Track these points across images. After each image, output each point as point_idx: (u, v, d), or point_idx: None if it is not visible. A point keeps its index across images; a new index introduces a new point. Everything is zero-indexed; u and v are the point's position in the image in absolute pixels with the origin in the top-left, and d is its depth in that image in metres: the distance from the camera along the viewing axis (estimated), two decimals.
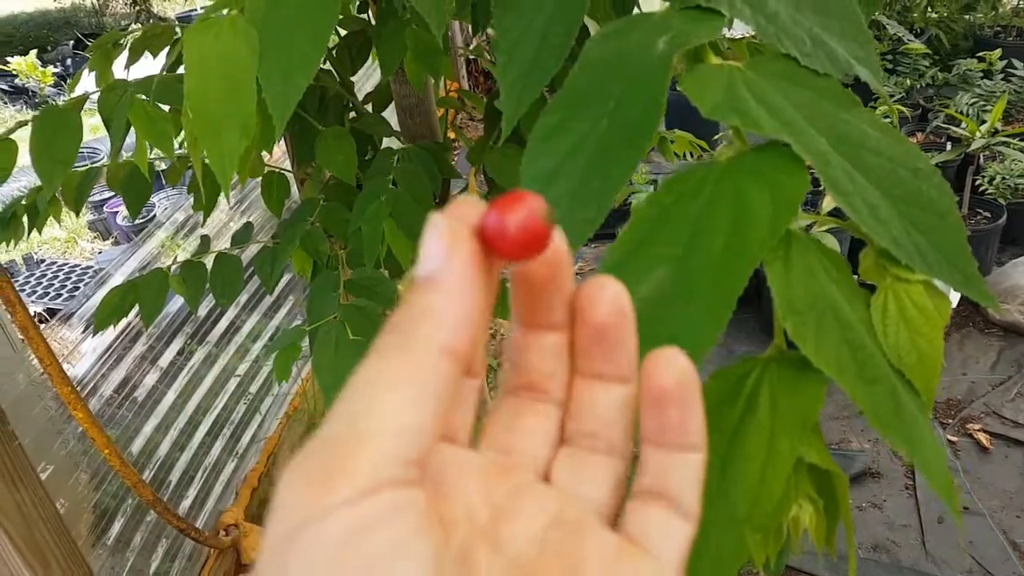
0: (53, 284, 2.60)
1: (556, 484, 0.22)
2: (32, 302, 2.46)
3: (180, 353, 1.57)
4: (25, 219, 1.03)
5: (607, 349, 0.22)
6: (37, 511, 0.86)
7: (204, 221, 1.07)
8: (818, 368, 0.27)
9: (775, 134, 0.30)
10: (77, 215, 0.99)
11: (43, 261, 2.82)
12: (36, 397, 1.12)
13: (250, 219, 1.74)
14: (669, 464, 0.21)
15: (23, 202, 1.01)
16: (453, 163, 1.13)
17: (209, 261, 1.02)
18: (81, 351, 1.41)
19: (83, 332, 1.37)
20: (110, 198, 3.12)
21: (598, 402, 0.22)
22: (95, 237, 3.30)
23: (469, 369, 0.22)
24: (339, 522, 0.16)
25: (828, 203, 1.45)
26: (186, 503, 1.43)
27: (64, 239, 3.29)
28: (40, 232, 1.06)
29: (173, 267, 1.02)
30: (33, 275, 2.66)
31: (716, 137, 2.55)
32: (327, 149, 0.91)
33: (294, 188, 1.17)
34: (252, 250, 1.14)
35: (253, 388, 1.74)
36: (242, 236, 1.06)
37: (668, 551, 0.21)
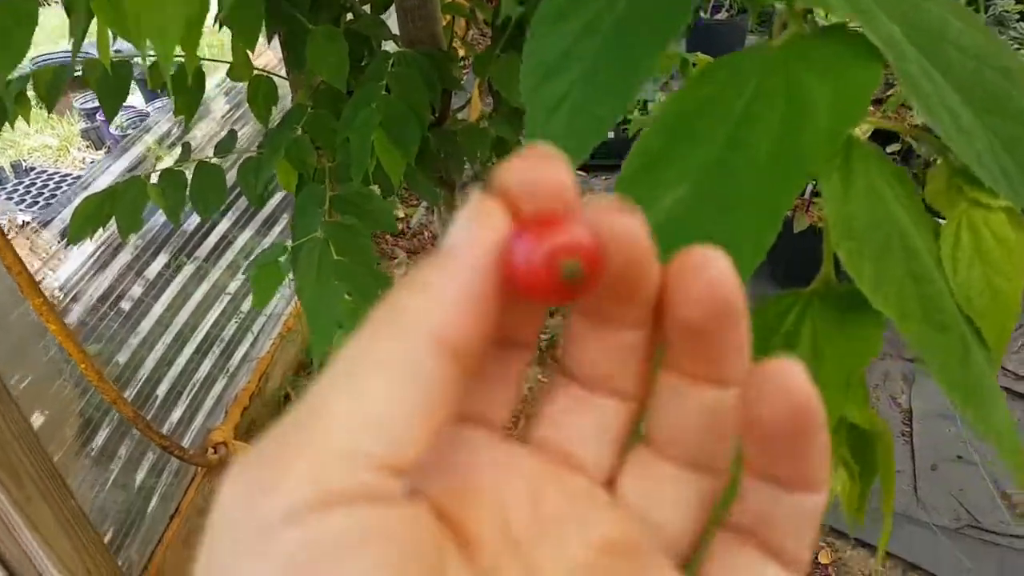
0: (43, 192, 2.54)
1: (622, 499, 0.18)
2: (21, 210, 2.40)
3: (168, 266, 1.52)
4: None
5: (704, 348, 0.17)
6: (7, 426, 0.83)
7: (186, 126, 1.01)
8: (875, 308, 0.22)
9: (845, 13, 0.24)
10: (49, 112, 0.92)
11: (32, 169, 2.75)
12: (13, 305, 1.08)
13: (244, 130, 1.66)
14: (776, 503, 0.16)
15: None
16: (461, 80, 1.05)
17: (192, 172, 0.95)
18: (64, 259, 1.36)
19: (61, 240, 1.32)
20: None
21: (688, 404, 0.17)
22: (88, 146, 3.22)
23: (472, 368, 0.17)
24: (275, 552, 0.12)
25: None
26: (173, 419, 1.40)
27: (56, 147, 3.20)
28: (12, 127, 1.00)
29: (153, 176, 0.96)
30: (22, 183, 2.60)
31: None
32: (317, 50, 0.83)
33: (289, 97, 1.10)
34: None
35: (245, 307, 1.70)
36: (225, 145, 1.00)
37: None
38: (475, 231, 0.15)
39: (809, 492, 0.16)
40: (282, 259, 0.75)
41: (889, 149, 2.00)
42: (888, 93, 2.11)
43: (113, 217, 0.93)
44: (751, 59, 0.25)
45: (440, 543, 0.15)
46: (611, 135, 2.28)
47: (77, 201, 0.94)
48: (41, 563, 0.86)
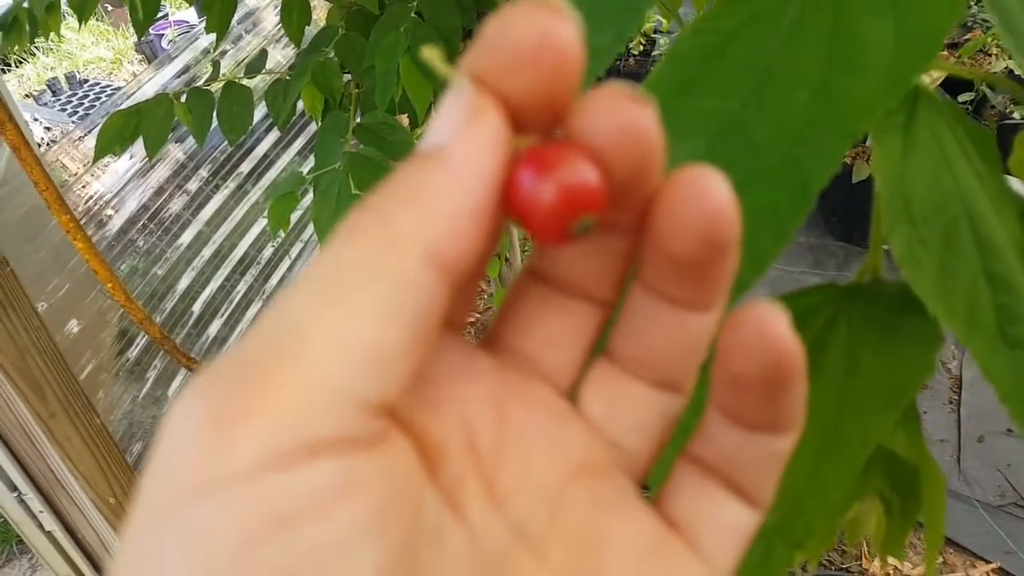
0: (95, 104, 2.56)
1: (586, 413, 0.17)
2: (73, 122, 2.42)
3: (208, 183, 1.52)
4: (28, 27, 0.97)
5: (688, 276, 0.15)
6: (31, 340, 0.83)
7: (217, 44, 0.97)
8: (933, 314, 0.17)
9: None
10: (82, 23, 0.89)
11: (86, 81, 2.77)
12: (49, 217, 1.07)
13: (289, 50, 1.62)
14: (744, 443, 0.16)
15: (24, 5, 0.93)
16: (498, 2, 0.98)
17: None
18: (106, 168, 1.36)
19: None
20: (158, 19, 3.00)
21: (662, 325, 0.16)
22: (141, 60, 3.23)
23: (462, 290, 0.15)
24: (242, 500, 0.11)
25: None
26: (208, 337, 1.41)
27: (111, 60, 3.22)
28: (46, 38, 1.00)
29: (183, 95, 0.93)
30: (76, 94, 2.62)
31: None
32: None
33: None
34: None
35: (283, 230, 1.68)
36: (256, 65, 0.95)
37: (722, 553, 0.16)
38: (472, 134, 0.13)
39: (779, 435, 0.15)
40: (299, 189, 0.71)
41: (960, 99, 1.84)
42: (965, 37, 1.92)
43: (141, 135, 0.91)
44: None
45: (421, 479, 0.14)
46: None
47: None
48: (64, 477, 0.87)
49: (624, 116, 0.14)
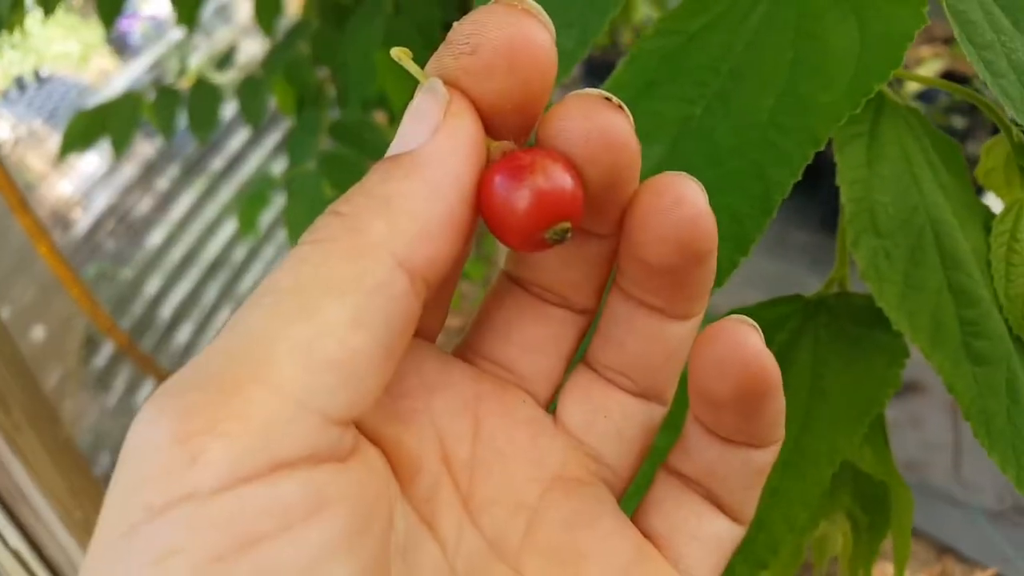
0: (64, 100, 2.51)
1: (565, 423, 0.17)
2: (42, 120, 2.37)
3: (177, 182, 1.49)
4: None
5: (664, 284, 0.15)
6: None
7: (188, 37, 0.95)
8: (897, 328, 0.16)
9: None
10: (47, 16, 0.87)
11: (54, 77, 2.71)
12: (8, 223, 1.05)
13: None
14: (724, 457, 0.15)
15: None
16: None
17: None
18: (74, 166, 1.34)
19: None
20: (128, 13, 2.95)
21: (641, 333, 0.16)
22: (111, 52, 3.17)
23: (433, 302, 0.15)
24: (208, 518, 0.10)
25: None
26: (178, 342, 1.39)
27: (78, 54, 3.16)
28: (11, 33, 0.97)
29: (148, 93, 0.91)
30: (43, 91, 2.56)
31: None
32: None
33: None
34: None
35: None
36: (223, 61, 0.94)
37: (703, 568, 0.16)
38: (447, 138, 0.13)
39: (759, 448, 0.15)
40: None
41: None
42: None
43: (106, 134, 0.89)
44: None
45: (393, 494, 0.13)
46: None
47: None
48: (28, 491, 0.85)
49: (598, 121, 0.14)
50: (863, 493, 0.20)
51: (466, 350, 0.17)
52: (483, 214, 0.14)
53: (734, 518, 0.16)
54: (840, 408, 0.18)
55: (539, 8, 0.13)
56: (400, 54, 0.14)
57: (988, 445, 0.16)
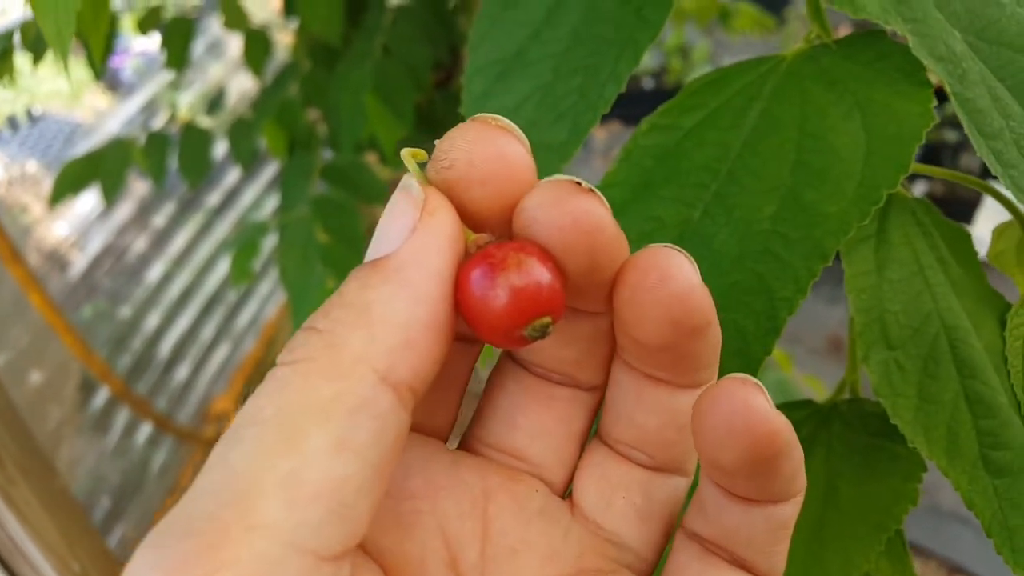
0: (57, 138, 2.51)
1: (581, 506, 0.16)
2: (35, 159, 2.38)
3: (173, 220, 1.49)
4: None
5: (667, 360, 0.14)
6: None
7: (177, 79, 0.95)
8: (912, 445, 0.16)
9: (883, 20, 0.17)
10: (36, 64, 0.87)
11: (46, 116, 2.72)
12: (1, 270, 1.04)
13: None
14: (745, 517, 0.14)
15: None
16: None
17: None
18: (69, 206, 1.33)
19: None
20: (119, 51, 2.96)
21: (650, 406, 0.15)
22: (104, 90, 3.18)
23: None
24: None
25: None
26: (177, 382, 1.38)
27: (70, 92, 3.17)
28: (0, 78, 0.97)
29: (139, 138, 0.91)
30: (35, 130, 2.57)
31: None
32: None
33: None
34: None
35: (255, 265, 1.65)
36: (214, 105, 0.94)
37: None
38: (423, 240, 0.13)
39: (782, 503, 0.14)
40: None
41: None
42: None
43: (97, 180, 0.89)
44: (752, 77, 0.18)
45: None
46: (653, 84, 2.12)
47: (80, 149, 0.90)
48: (24, 545, 0.84)
49: (569, 208, 0.13)
50: None
51: (472, 440, 0.16)
52: (460, 312, 0.14)
53: None
54: (855, 521, 0.17)
55: (511, 124, 0.14)
56: (408, 156, 0.14)
57: (1012, 562, 0.16)
